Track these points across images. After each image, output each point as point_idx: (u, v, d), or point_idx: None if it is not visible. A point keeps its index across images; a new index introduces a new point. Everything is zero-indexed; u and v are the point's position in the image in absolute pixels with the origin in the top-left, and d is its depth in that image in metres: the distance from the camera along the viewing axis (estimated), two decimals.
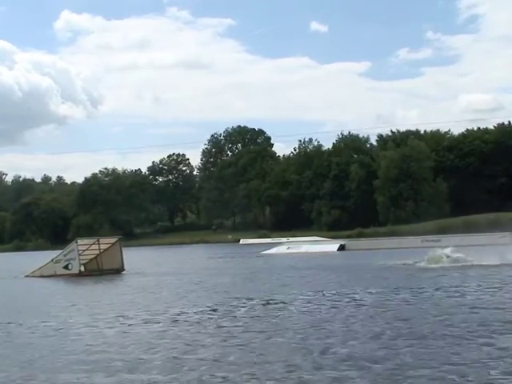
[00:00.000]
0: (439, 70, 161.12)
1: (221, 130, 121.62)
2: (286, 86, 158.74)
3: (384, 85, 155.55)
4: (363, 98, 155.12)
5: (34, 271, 25.64)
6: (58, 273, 24.48)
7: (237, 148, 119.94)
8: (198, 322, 10.68)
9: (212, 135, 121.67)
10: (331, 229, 78.41)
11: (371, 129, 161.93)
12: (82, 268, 25.72)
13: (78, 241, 25.61)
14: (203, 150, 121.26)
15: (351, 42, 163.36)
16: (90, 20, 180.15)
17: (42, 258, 28.28)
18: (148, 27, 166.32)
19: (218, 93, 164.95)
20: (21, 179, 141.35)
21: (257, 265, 29.11)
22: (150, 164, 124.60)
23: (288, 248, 42.50)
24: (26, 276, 25.47)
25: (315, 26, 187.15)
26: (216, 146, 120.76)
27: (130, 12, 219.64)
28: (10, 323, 11.73)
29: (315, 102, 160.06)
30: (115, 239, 26.86)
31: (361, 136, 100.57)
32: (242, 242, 74.80)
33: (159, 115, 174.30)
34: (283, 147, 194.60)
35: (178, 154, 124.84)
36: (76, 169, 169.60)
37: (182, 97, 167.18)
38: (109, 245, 25.97)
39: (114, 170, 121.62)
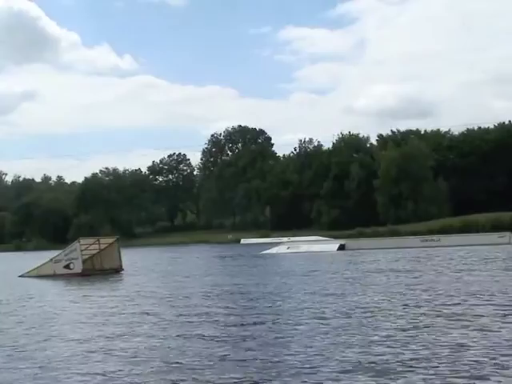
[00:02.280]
0: None
1: (221, 130, 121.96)
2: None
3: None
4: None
5: (30, 271, 25.44)
6: (57, 272, 24.31)
7: (237, 148, 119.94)
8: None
9: (212, 135, 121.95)
10: (331, 228, 78.30)
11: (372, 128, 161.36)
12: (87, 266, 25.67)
13: (81, 240, 25.46)
14: (203, 150, 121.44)
15: None
16: None
17: (42, 258, 28.16)
18: None
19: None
20: (21, 179, 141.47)
21: (257, 264, 29.11)
22: (150, 164, 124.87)
23: (288, 248, 42.44)
24: (21, 276, 25.15)
25: None
26: (216, 146, 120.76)
27: None
28: None
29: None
30: (113, 239, 26.85)
31: (361, 136, 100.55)
32: (242, 241, 74.78)
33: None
34: (283, 147, 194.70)
35: (178, 154, 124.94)
36: (76, 169, 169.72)
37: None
38: (106, 244, 25.92)
39: (114, 170, 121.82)
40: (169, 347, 8.52)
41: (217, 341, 8.70)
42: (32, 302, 15.75)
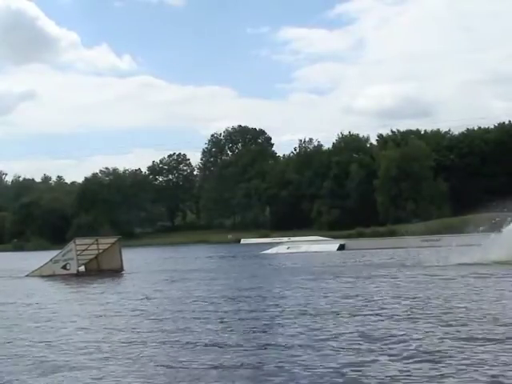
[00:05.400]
0: None
1: (221, 130, 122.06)
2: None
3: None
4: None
5: (33, 271, 25.62)
6: (56, 273, 24.43)
7: (237, 148, 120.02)
8: None
9: (212, 135, 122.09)
10: (331, 228, 78.35)
11: (372, 128, 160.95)
12: (82, 268, 25.76)
13: (77, 240, 25.51)
14: (203, 150, 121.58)
15: None
16: None
17: (42, 258, 28.27)
18: None
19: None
20: (21, 179, 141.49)
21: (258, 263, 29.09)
22: (150, 164, 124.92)
23: (288, 248, 42.44)
24: (27, 276, 25.45)
25: None
26: (216, 146, 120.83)
27: None
28: None
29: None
30: (115, 239, 26.82)
31: (361, 136, 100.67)
32: (242, 241, 74.77)
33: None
34: (283, 147, 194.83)
35: (178, 154, 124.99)
36: (76, 169, 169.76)
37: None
38: (108, 245, 25.91)
39: (114, 170, 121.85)
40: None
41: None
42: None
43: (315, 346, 7.91)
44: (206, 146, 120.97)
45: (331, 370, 6.77)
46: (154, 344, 8.63)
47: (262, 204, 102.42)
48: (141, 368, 7.25)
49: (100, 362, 7.70)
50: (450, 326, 8.84)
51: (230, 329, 9.52)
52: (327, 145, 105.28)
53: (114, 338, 9.33)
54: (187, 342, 8.58)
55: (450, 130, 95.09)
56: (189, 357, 7.68)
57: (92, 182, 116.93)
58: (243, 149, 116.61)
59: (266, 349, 7.92)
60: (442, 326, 8.89)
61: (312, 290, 14.79)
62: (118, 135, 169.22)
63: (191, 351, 8.03)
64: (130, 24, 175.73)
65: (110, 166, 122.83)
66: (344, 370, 6.72)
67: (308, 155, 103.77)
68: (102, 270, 25.48)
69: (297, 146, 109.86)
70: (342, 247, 41.04)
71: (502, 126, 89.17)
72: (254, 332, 9.19)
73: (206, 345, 8.34)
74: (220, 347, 8.16)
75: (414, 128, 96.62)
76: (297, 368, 6.88)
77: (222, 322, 10.19)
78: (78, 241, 25.74)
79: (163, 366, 7.31)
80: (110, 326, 10.46)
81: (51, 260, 25.26)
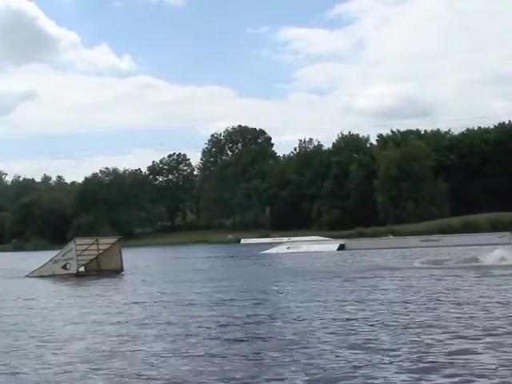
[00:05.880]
0: None
1: (221, 130, 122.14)
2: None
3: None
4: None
5: (33, 271, 25.58)
6: (56, 273, 24.36)
7: (237, 148, 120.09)
8: None
9: (212, 135, 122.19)
10: (331, 228, 78.40)
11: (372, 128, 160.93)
12: (82, 268, 25.70)
13: (77, 240, 25.43)
14: (203, 150, 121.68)
15: None
16: None
17: (42, 258, 28.23)
18: None
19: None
20: (21, 179, 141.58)
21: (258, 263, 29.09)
22: (150, 164, 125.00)
23: (288, 248, 42.44)
24: (26, 276, 25.41)
25: None
26: (216, 146, 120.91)
27: None
28: None
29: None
30: (115, 239, 26.71)
31: (361, 136, 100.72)
32: (242, 241, 74.81)
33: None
34: (283, 147, 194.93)
35: (178, 154, 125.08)
36: (76, 169, 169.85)
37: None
38: (108, 245, 25.83)
39: (114, 170, 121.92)
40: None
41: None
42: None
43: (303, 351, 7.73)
44: (206, 145, 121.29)
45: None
46: (129, 354, 8.01)
47: (262, 204, 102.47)
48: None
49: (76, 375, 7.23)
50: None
51: (217, 337, 9.20)
52: (327, 145, 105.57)
53: (99, 344, 9.01)
54: (171, 350, 8.14)
55: (449, 130, 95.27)
56: (170, 367, 7.18)
57: (92, 182, 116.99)
58: (243, 149, 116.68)
59: (254, 356, 7.64)
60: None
61: (308, 292, 14.74)
62: (118, 135, 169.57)
63: (174, 360, 7.52)
64: (130, 24, 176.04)
65: (110, 166, 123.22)
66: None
67: (308, 155, 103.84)
68: (101, 270, 25.42)
69: (297, 145, 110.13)
70: (341, 247, 41.00)
71: (501, 126, 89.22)
72: (243, 338, 8.95)
73: (190, 355, 7.86)
74: (205, 356, 7.81)
75: (413, 128, 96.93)
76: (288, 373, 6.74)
77: (211, 328, 9.92)
78: (78, 241, 25.62)
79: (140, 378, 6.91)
80: (100, 332, 10.16)
81: (51, 260, 25.17)
